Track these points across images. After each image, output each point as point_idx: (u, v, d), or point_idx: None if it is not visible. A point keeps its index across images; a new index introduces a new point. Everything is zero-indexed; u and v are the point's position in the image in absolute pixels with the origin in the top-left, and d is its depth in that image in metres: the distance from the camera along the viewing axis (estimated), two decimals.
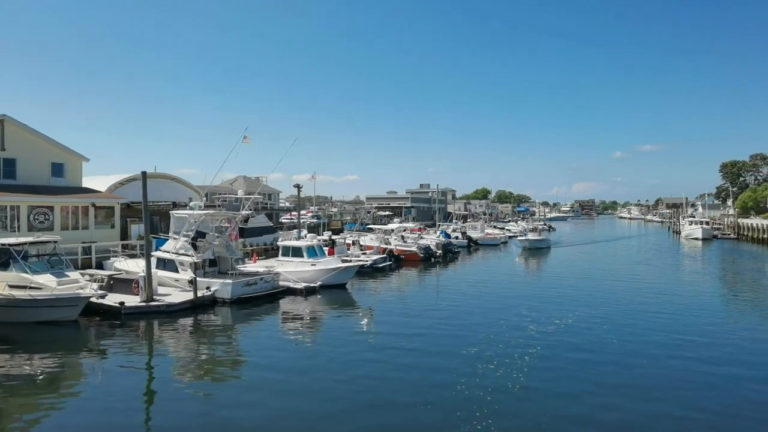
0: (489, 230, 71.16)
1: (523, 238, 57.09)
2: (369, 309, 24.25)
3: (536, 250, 53.56)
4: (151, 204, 39.70)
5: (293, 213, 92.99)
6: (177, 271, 25.23)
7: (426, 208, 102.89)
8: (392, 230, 45.68)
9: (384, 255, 38.15)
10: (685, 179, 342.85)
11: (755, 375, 14.25)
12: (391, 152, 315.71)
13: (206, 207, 30.61)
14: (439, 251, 44.86)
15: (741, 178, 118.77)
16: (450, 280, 34.77)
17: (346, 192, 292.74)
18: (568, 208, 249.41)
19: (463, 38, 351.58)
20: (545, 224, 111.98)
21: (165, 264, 25.73)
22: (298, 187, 42.65)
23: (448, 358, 15.56)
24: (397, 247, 41.88)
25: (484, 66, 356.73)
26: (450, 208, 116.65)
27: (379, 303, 25.52)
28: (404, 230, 49.31)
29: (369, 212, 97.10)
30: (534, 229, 61.04)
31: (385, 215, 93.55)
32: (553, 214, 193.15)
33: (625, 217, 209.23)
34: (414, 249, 42.29)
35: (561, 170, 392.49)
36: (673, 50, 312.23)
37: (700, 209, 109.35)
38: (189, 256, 25.19)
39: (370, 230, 47.34)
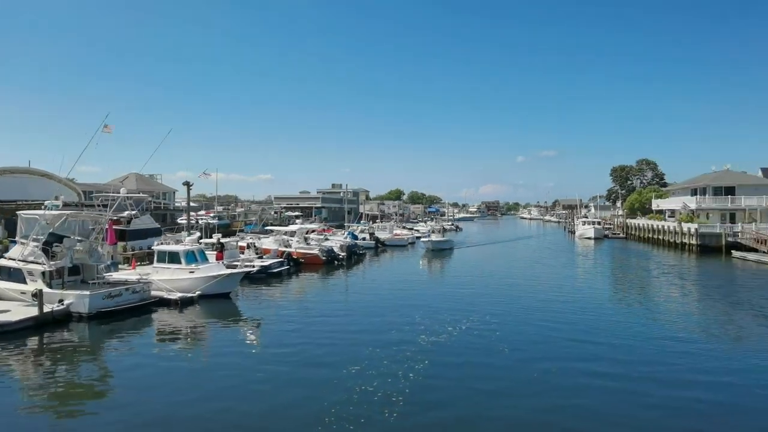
0: (398, 231, 70.10)
1: (426, 239, 55.53)
2: (254, 321, 21.73)
3: (439, 251, 52.39)
4: (7, 203, 34.66)
5: (198, 213, 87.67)
6: (25, 282, 21.27)
7: (337, 209, 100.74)
8: (294, 232, 43.03)
9: (281, 259, 35.47)
10: (579, 182, 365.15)
11: (646, 376, 13.44)
12: (307, 152, 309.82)
13: (67, 206, 26.44)
14: (343, 253, 42.82)
15: (629, 182, 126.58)
16: (350, 284, 32.82)
17: (260, 192, 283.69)
18: (475, 209, 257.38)
19: (374, 40, 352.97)
20: (453, 224, 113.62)
21: (9, 274, 21.69)
22: (187, 184, 38.95)
23: (326, 380, 13.51)
24: (297, 250, 39.33)
25: (406, 72, 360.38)
26: (363, 209, 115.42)
27: (267, 313, 23.01)
28: (307, 231, 46.82)
29: (276, 213, 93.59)
30: (437, 231, 59.51)
31: (294, 216, 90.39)
32: (461, 215, 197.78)
33: (525, 218, 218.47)
34: (315, 252, 39.89)
35: (470, 173, 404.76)
36: (569, 60, 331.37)
37: (593, 210, 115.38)
38: (40, 264, 21.32)
39: (270, 232, 44.36)
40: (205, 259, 26.91)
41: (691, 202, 59.24)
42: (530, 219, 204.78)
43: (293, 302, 25.90)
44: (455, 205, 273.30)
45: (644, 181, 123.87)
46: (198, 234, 49.85)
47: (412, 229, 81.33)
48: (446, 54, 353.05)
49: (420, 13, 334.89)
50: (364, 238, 55.84)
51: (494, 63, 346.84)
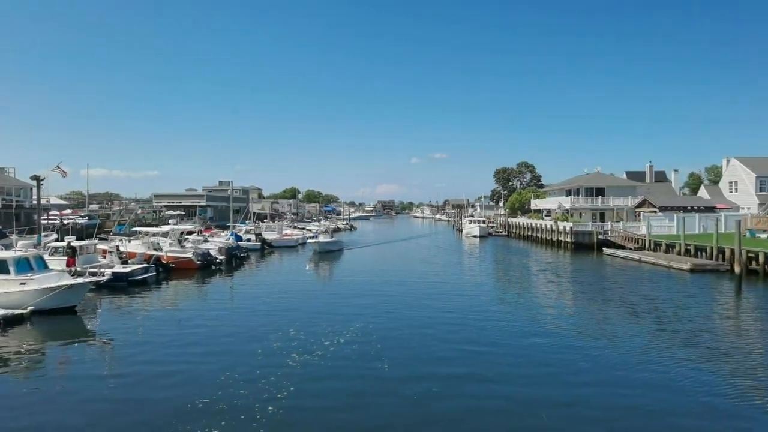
0: (287, 231, 66.95)
1: (313, 240, 51.79)
2: (100, 339, 18.20)
3: (328, 253, 49.20)
4: None
5: (64, 212, 78.07)
6: None
7: (224, 208, 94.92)
8: (166, 233, 38.66)
9: (147, 264, 31.31)
10: (468, 183, 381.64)
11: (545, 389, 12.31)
12: (198, 148, 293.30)
13: None
14: (222, 257, 39.21)
15: (510, 183, 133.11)
16: (224, 293, 29.53)
17: (146, 190, 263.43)
18: (371, 208, 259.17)
19: (268, 36, 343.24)
20: (348, 223, 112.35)
21: None
22: (36, 178, 33.44)
23: (175, 414, 10.81)
24: (168, 254, 35.18)
25: (307, 69, 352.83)
26: (255, 207, 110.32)
27: (117, 329, 19.42)
28: (185, 232, 42.51)
29: (155, 212, 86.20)
30: (325, 231, 55.95)
31: (176, 215, 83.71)
32: (357, 214, 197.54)
33: (418, 217, 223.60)
34: (189, 255, 35.93)
35: (368, 173, 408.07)
36: (461, 62, 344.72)
37: (479, 209, 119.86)
38: None
39: (138, 233, 39.49)
40: (43, 268, 22.55)
41: (566, 202, 62.53)
42: (423, 218, 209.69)
43: (149, 316, 22.17)
44: (352, 204, 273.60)
45: (524, 182, 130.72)
46: (54, 236, 43.40)
47: (303, 228, 78.45)
48: (346, 51, 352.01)
49: (315, 5, 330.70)
50: (249, 239, 52.28)
51: (392, 62, 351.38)
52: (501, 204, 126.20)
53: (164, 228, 40.49)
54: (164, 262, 33.94)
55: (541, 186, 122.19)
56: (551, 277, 34.51)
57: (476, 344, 17.47)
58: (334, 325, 19.53)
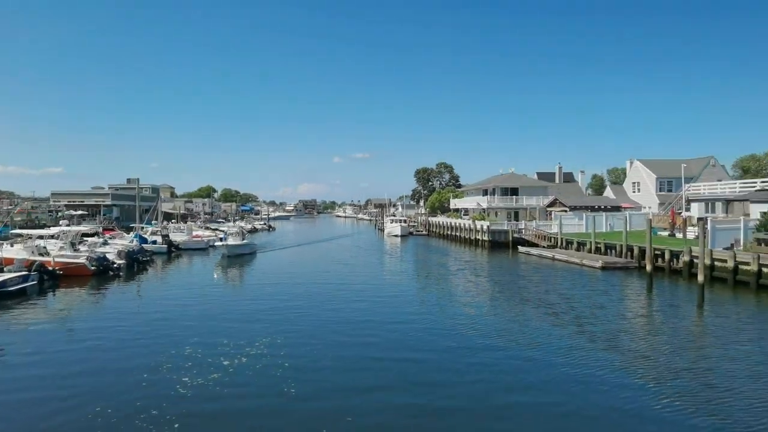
0: (198, 232, 62.72)
1: (222, 243, 46.89)
2: None
3: (238, 257, 44.66)
4: None
5: None
6: None
7: (131, 207, 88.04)
8: (55, 235, 34.26)
9: (27, 272, 27.20)
10: (390, 183, 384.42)
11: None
12: (107, 144, 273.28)
13: None
14: (121, 261, 35.34)
15: (430, 183, 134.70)
16: (117, 303, 26.04)
17: (47, 188, 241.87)
18: (292, 208, 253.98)
19: (185, 33, 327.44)
20: (266, 224, 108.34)
21: None
22: None
23: None
24: (57, 259, 31.03)
25: (230, 67, 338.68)
26: (166, 207, 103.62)
27: None
28: (77, 234, 38.02)
29: (52, 212, 78.45)
30: (236, 233, 50.44)
31: (76, 215, 76.54)
32: (277, 214, 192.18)
33: (341, 216, 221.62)
34: (82, 260, 31.93)
35: (289, 171, 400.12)
36: (371, 64, 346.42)
37: (400, 209, 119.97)
38: None
39: (19, 236, 34.71)
40: None
41: (483, 202, 63.24)
42: (345, 217, 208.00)
43: (20, 333, 18.94)
44: (272, 203, 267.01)
45: (443, 182, 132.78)
46: None
47: (216, 229, 74.10)
48: (264, 48, 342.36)
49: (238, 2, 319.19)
50: (155, 241, 48.11)
51: (312, 60, 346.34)
52: (421, 203, 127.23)
53: (52, 230, 35.90)
54: (51, 268, 29.85)
55: (459, 186, 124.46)
56: (470, 277, 33.97)
57: (392, 352, 16.03)
58: (239, 338, 17.31)
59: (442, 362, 15.18)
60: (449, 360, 15.39)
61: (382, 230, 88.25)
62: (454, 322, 20.29)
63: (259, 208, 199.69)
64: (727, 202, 44.13)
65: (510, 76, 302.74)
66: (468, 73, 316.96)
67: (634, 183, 64.15)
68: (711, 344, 17.06)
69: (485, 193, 66.40)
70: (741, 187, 46.49)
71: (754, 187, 45.00)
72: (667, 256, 32.93)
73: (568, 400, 12.05)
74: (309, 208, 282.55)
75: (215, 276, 35.15)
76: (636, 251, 36.18)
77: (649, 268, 27.77)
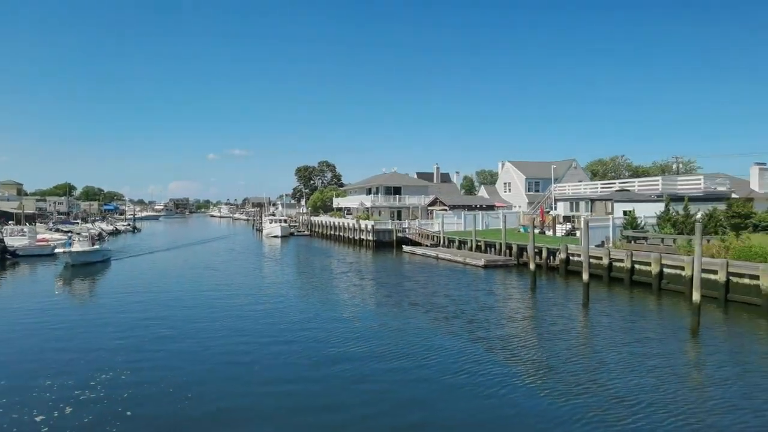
0: (46, 235, 53.76)
1: (66, 250, 38.48)
2: None
3: (86, 266, 37.26)
4: None
5: None
6: None
7: None
8: None
9: None
10: (269, 181, 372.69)
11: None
12: None
13: None
14: None
15: (312, 181, 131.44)
16: None
17: None
18: (162, 207, 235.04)
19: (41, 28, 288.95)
20: (129, 224, 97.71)
21: None
22: None
23: None
24: None
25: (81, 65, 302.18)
26: (8, 206, 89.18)
27: None
28: None
29: None
30: (84, 237, 41.38)
31: None
32: (144, 213, 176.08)
33: (216, 216, 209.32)
34: None
35: (159, 168, 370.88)
36: (251, 61, 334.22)
37: (280, 208, 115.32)
38: None
39: None
40: None
41: (367, 201, 61.74)
42: (220, 217, 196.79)
43: None
44: (141, 202, 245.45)
45: (325, 181, 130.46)
46: None
47: (70, 232, 64.42)
48: (134, 39, 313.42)
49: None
50: None
51: (183, 54, 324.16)
52: (303, 202, 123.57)
53: None
54: None
55: (342, 185, 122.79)
56: (356, 280, 31.77)
57: (267, 376, 13.20)
58: (73, 374, 13.31)
59: (326, 384, 12.75)
60: (334, 381, 12.96)
61: (261, 231, 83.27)
62: (340, 335, 17.84)
63: (124, 207, 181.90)
64: (591, 202, 46.76)
65: (391, 76, 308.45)
66: (349, 71, 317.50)
67: (505, 183, 66.78)
68: (607, 346, 16.40)
69: (369, 192, 65.02)
70: (602, 188, 49.69)
71: (614, 187, 48.27)
72: (544, 253, 33.43)
73: (468, 414, 10.55)
74: (181, 208, 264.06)
75: (56, 291, 28.71)
76: (515, 249, 36.52)
77: (532, 266, 27.60)
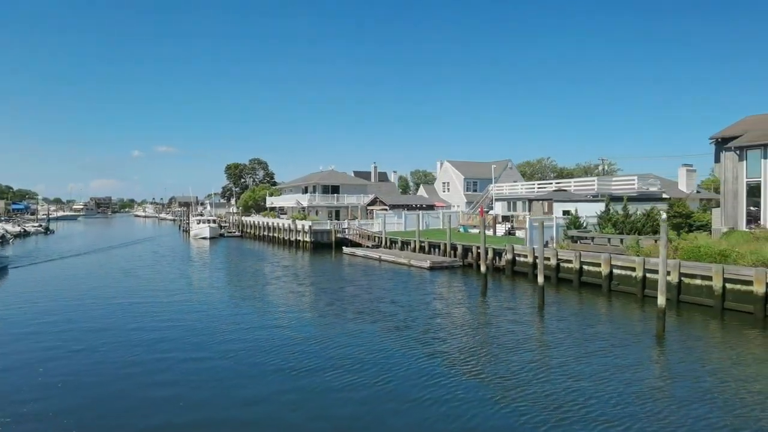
0: None
1: None
2: None
3: None
4: None
5: None
6: None
7: None
8: None
9: None
10: (198, 179, 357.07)
11: None
12: None
13: None
14: None
15: (242, 180, 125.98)
16: None
17: None
18: (81, 206, 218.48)
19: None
20: (41, 225, 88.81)
21: None
22: None
23: None
24: None
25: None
26: None
27: None
28: None
29: None
30: None
31: None
32: (62, 213, 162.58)
33: (140, 216, 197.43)
34: None
35: (79, 165, 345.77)
36: (177, 57, 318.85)
37: (209, 207, 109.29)
38: None
39: None
40: None
41: (304, 200, 58.77)
42: (145, 217, 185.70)
43: None
44: (58, 201, 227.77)
45: (256, 179, 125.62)
46: None
47: None
48: (48, 27, 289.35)
49: None
50: None
51: (104, 46, 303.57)
52: (233, 202, 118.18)
53: None
54: None
55: (275, 183, 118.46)
56: (293, 286, 29.10)
57: (185, 401, 10.55)
58: None
59: (261, 406, 10.40)
60: (270, 402, 10.66)
61: (188, 232, 77.84)
62: (276, 349, 15.38)
63: (36, 206, 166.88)
64: (529, 202, 46.52)
65: (324, 74, 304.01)
66: (278, 68, 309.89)
67: (444, 183, 66.00)
68: (570, 356, 14.93)
69: (305, 190, 62.02)
70: (539, 188, 49.70)
71: (550, 187, 48.34)
72: (490, 254, 32.23)
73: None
74: (103, 207, 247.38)
75: None
76: (460, 250, 35.17)
77: (483, 268, 26.14)
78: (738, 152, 28.42)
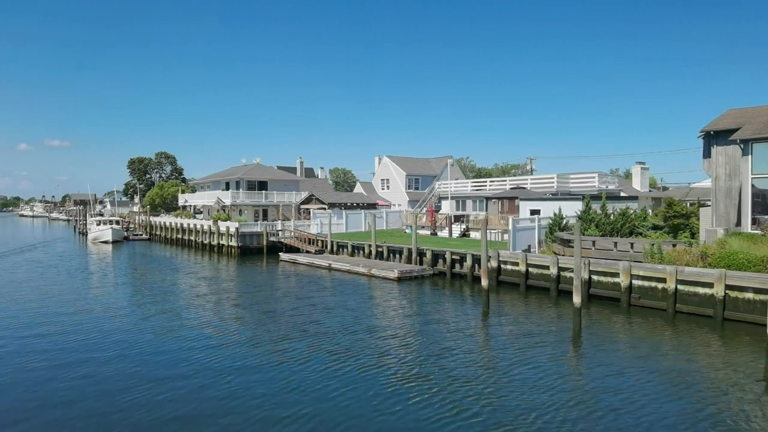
0: None
1: None
2: None
3: None
4: None
5: None
6: None
7: None
8: None
9: None
10: (95, 175, 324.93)
11: None
12: None
13: None
14: None
15: (148, 176, 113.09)
16: None
17: None
18: None
19: None
20: None
21: None
22: None
23: None
24: None
25: None
26: None
27: None
28: None
29: None
30: None
31: None
32: None
33: (27, 215, 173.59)
34: None
35: None
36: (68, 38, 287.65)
37: (108, 206, 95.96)
38: None
39: None
40: None
41: (226, 197, 50.46)
42: (34, 217, 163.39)
43: None
44: None
45: (163, 175, 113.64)
46: None
47: None
48: None
49: None
50: None
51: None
52: (137, 199, 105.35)
53: None
54: None
55: (184, 180, 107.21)
56: (226, 307, 21.98)
57: None
58: None
59: None
60: None
61: (85, 234, 65.86)
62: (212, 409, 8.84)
63: None
64: (487, 200, 42.13)
65: (233, 68, 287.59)
66: (195, 57, 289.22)
67: (383, 180, 60.36)
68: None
69: (227, 186, 53.56)
70: (492, 186, 45.63)
71: (504, 185, 44.37)
72: (469, 261, 27.00)
73: None
74: None
75: None
76: (429, 256, 29.57)
77: (485, 283, 20.62)
78: (742, 145, 25.32)
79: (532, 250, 27.84)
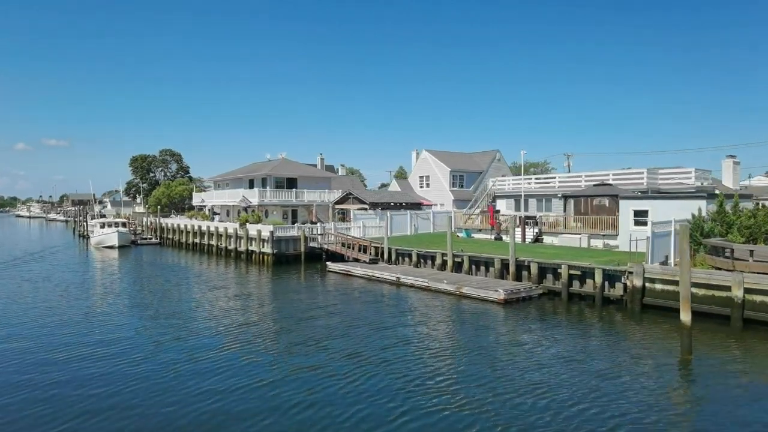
0: None
1: None
2: None
3: None
4: None
5: None
6: None
7: None
8: None
9: None
10: (93, 175, 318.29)
11: None
12: None
13: None
14: None
15: (152, 174, 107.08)
16: None
17: None
18: None
19: None
20: None
21: None
22: None
23: None
24: None
25: None
26: None
27: None
28: None
29: None
30: None
31: None
32: None
33: (24, 216, 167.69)
34: None
35: None
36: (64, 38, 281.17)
37: (109, 206, 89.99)
38: None
39: None
40: None
41: (253, 196, 44.28)
42: (30, 217, 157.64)
43: None
44: None
45: (168, 173, 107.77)
46: None
47: None
48: None
49: None
50: None
51: None
52: (139, 199, 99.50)
53: None
54: None
55: (191, 178, 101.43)
56: (294, 356, 16.01)
57: None
58: None
59: None
60: None
61: (87, 237, 59.54)
62: None
63: None
64: (565, 198, 35.98)
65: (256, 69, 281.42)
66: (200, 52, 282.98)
67: (422, 177, 54.18)
68: None
69: (252, 184, 47.49)
70: (562, 183, 39.55)
71: (579, 182, 38.28)
72: (598, 278, 20.96)
73: None
74: None
75: None
76: (535, 270, 23.46)
77: (686, 318, 14.50)
78: None
79: (668, 262, 21.86)
